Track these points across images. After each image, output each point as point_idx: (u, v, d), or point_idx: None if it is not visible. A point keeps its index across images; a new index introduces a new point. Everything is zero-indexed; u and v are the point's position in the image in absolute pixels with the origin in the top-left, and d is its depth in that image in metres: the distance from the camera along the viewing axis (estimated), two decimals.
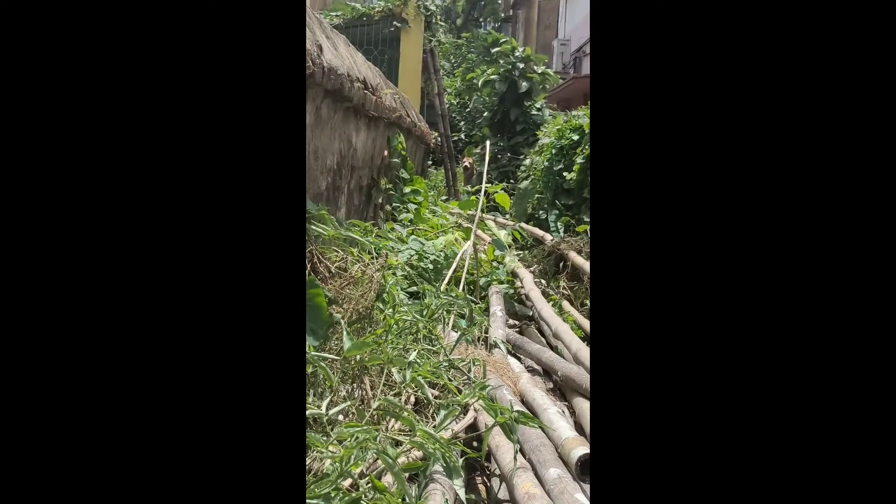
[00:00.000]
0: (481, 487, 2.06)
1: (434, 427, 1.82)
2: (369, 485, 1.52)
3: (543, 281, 4.55)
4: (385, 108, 5.05)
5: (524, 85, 10.62)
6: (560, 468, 1.75)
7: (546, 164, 6.67)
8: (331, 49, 3.63)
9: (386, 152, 5.45)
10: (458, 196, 9.60)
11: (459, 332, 2.76)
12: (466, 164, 10.27)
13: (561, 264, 4.65)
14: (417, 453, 1.74)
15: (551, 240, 5.24)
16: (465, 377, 2.38)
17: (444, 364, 2.32)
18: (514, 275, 4.59)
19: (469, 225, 5.00)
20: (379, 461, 1.59)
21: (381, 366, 2.14)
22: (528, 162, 8.35)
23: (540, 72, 10.92)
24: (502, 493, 1.91)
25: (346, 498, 1.46)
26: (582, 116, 6.66)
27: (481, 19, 24.39)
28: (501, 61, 10.92)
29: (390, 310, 2.57)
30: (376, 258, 2.92)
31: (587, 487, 1.81)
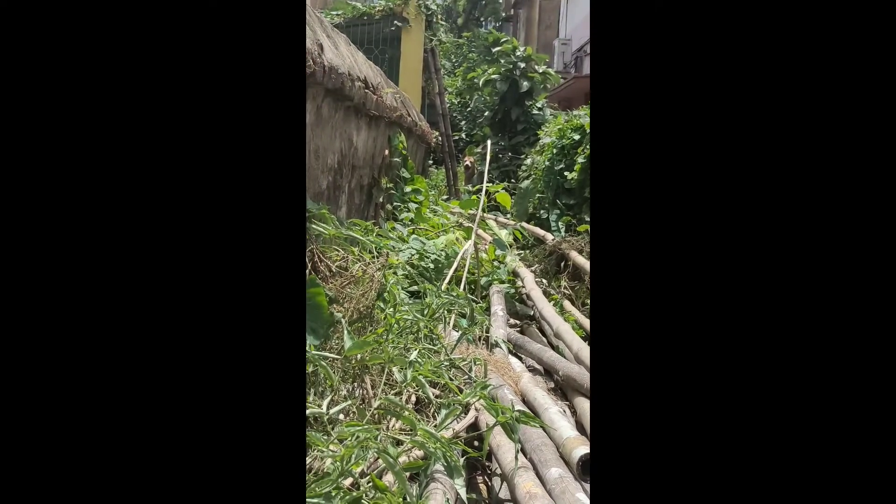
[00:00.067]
0: (482, 487, 2.06)
1: (435, 426, 1.82)
2: (370, 484, 1.52)
3: (545, 280, 4.55)
4: (386, 107, 5.05)
5: (525, 84, 10.62)
6: (561, 468, 1.75)
7: (547, 163, 6.67)
8: (332, 48, 3.63)
9: (387, 151, 5.45)
10: (459, 195, 9.60)
11: (460, 332, 2.75)
12: (468, 163, 10.27)
13: (562, 264, 4.65)
14: (418, 452, 1.73)
15: (552, 239, 5.23)
16: (466, 377, 2.38)
17: (445, 363, 2.32)
18: (515, 274, 4.59)
19: (470, 224, 5.00)
20: (380, 460, 1.58)
21: (381, 365, 2.14)
22: (529, 161, 8.34)
23: (541, 71, 10.92)
24: (503, 493, 1.90)
25: (347, 497, 1.45)
26: (583, 116, 6.66)
27: (482, 19, 24.39)
28: (502, 61, 10.92)
29: (391, 309, 2.56)
30: (377, 257, 2.91)
31: (588, 487, 1.81)
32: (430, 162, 10.93)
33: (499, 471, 1.89)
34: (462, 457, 1.82)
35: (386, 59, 10.78)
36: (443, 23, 12.71)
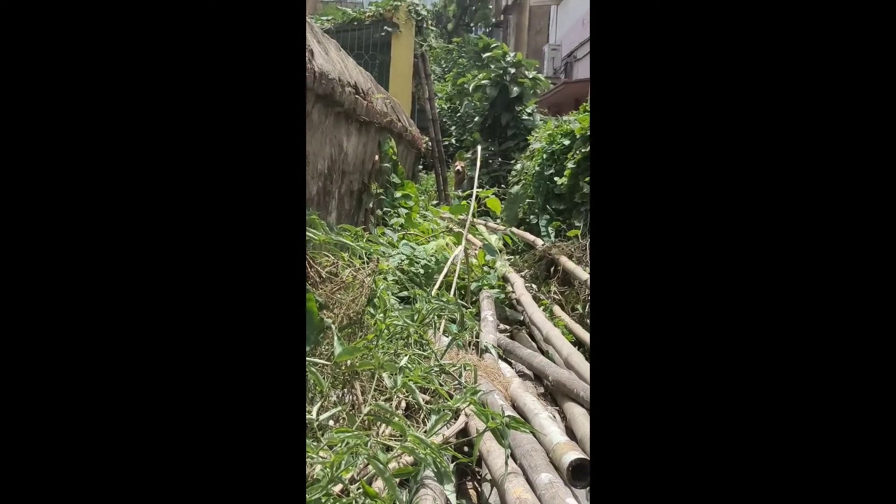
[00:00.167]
0: (472, 493, 2.06)
1: (425, 432, 1.82)
2: (360, 490, 1.52)
3: (534, 286, 4.56)
4: (376, 112, 5.05)
5: (515, 90, 10.65)
6: (551, 473, 1.75)
7: (537, 168, 6.70)
8: (322, 53, 3.63)
9: (377, 157, 5.44)
10: (449, 200, 9.61)
11: (450, 337, 2.76)
12: (458, 167, 10.29)
13: (552, 269, 4.67)
14: (408, 458, 1.73)
15: (542, 244, 5.25)
16: (456, 382, 2.38)
17: (436, 369, 2.32)
18: (505, 279, 4.60)
19: (460, 229, 5.00)
20: (370, 466, 1.58)
21: (371, 371, 2.14)
22: (519, 167, 8.37)
23: (531, 77, 10.96)
24: (493, 499, 1.91)
25: (337, 503, 1.45)
26: (573, 121, 6.68)
27: (472, 24, 24.46)
28: (492, 66, 10.96)
29: (381, 315, 2.56)
30: (367, 263, 2.91)
31: (578, 492, 1.81)
32: (420, 167, 10.93)
33: (489, 476, 1.90)
34: (452, 462, 1.82)
35: (376, 64, 10.80)
36: (433, 28, 12.74)
